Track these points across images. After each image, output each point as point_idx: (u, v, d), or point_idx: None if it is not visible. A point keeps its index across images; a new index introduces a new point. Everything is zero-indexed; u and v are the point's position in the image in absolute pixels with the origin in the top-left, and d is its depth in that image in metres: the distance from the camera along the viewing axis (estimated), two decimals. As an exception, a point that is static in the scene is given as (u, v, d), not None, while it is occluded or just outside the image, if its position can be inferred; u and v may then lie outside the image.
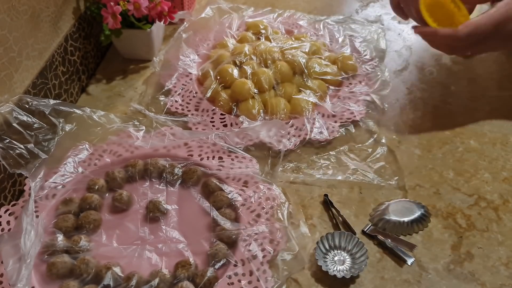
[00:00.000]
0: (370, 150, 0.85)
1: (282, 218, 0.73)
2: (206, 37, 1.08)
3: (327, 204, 0.79)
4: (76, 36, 0.99)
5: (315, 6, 1.26)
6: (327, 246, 0.72)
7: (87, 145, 0.85)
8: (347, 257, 0.71)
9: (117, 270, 0.67)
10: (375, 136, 0.88)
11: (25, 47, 0.83)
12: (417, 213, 0.75)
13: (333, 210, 0.78)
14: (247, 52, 0.98)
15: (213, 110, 0.92)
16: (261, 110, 0.90)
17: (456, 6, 0.82)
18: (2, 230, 0.74)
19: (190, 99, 0.95)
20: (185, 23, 1.03)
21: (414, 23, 0.90)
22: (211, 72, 0.97)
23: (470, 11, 0.89)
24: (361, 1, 1.27)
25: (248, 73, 0.94)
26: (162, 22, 1.03)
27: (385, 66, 1.02)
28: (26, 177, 0.79)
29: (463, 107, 0.95)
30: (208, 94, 0.94)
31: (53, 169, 0.80)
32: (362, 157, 0.85)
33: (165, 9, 1.00)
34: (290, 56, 0.96)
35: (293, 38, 1.06)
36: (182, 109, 0.93)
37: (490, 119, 0.93)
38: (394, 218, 0.74)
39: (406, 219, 0.74)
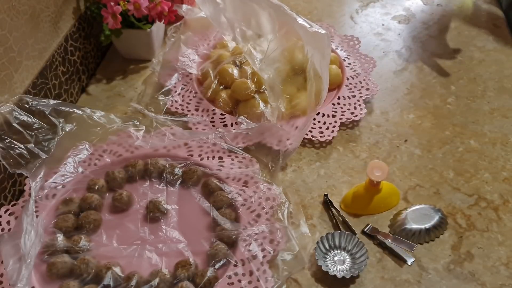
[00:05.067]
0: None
1: (282, 218, 0.73)
2: (206, 36, 1.08)
3: (327, 204, 0.79)
4: (76, 36, 0.99)
5: (315, 6, 1.26)
6: (327, 246, 0.72)
7: (87, 145, 0.85)
8: (347, 257, 0.71)
9: (117, 270, 0.67)
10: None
11: (25, 47, 0.83)
12: (436, 218, 0.74)
13: (333, 210, 0.78)
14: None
15: (213, 110, 0.92)
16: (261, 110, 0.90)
17: None
18: (2, 230, 0.74)
19: (190, 99, 0.95)
20: (180, 22, 1.03)
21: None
22: (211, 72, 0.97)
23: None
24: (361, 1, 1.27)
25: (248, 73, 0.94)
26: (162, 22, 1.03)
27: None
28: (26, 177, 0.79)
29: (463, 107, 0.95)
30: (208, 94, 0.94)
31: (53, 169, 0.80)
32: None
33: (165, 9, 1.00)
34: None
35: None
36: (182, 109, 0.93)
37: (490, 119, 0.93)
38: (415, 226, 0.73)
39: (427, 226, 0.74)
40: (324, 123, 0.90)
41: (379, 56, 1.08)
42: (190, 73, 1.00)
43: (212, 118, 0.91)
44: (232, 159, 0.83)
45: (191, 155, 0.84)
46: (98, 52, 1.08)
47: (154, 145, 0.85)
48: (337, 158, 0.86)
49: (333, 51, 1.04)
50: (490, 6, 1.23)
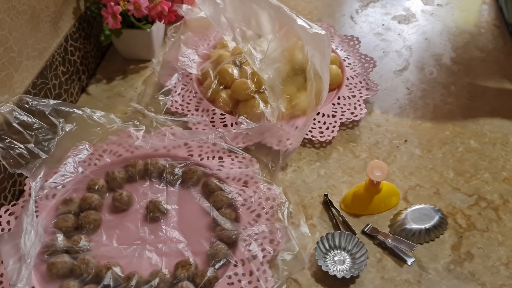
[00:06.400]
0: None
1: (282, 218, 0.73)
2: (206, 36, 1.08)
3: (327, 204, 0.79)
4: (76, 36, 0.99)
5: (315, 6, 1.26)
6: (327, 246, 0.72)
7: (87, 145, 0.85)
8: (347, 257, 0.71)
9: (117, 270, 0.67)
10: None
11: (25, 47, 0.83)
12: (436, 218, 0.74)
13: (333, 210, 0.78)
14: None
15: (213, 110, 0.92)
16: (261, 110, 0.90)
17: None
18: (2, 230, 0.74)
19: (190, 99, 0.95)
20: (180, 22, 1.03)
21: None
22: (211, 72, 0.97)
23: None
24: (361, 1, 1.27)
25: (248, 73, 0.94)
26: (162, 22, 1.03)
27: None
28: (26, 177, 0.79)
29: (463, 107, 0.95)
30: (208, 94, 0.94)
31: (53, 169, 0.80)
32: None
33: (165, 9, 1.00)
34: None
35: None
36: (182, 109, 0.93)
37: (490, 119, 0.93)
38: (415, 226, 0.73)
39: (427, 226, 0.74)
40: (324, 123, 0.90)
41: (379, 56, 1.08)
42: (190, 73, 1.00)
43: (212, 118, 0.91)
44: (232, 159, 0.83)
45: (191, 155, 0.84)
46: (98, 52, 1.08)
47: (154, 145, 0.85)
48: (337, 158, 0.86)
49: (333, 51, 1.04)
50: (490, 6, 1.23)
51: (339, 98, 0.94)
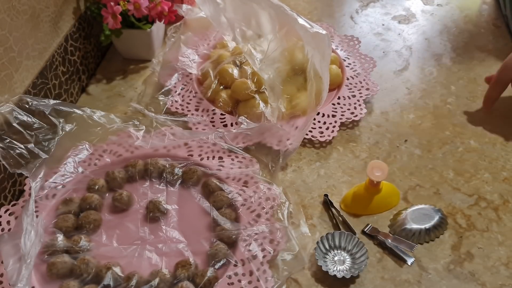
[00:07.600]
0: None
1: (282, 218, 0.73)
2: (206, 36, 1.08)
3: (327, 204, 0.79)
4: (76, 36, 0.99)
5: (315, 6, 1.26)
6: (327, 246, 0.72)
7: (87, 145, 0.85)
8: (347, 257, 0.71)
9: (117, 270, 0.67)
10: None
11: (25, 47, 0.83)
12: (436, 218, 0.74)
13: (333, 210, 0.78)
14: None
15: (213, 110, 0.92)
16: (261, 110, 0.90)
17: None
18: (2, 230, 0.74)
19: (190, 99, 0.95)
20: (180, 22, 1.03)
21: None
22: (211, 72, 0.97)
23: None
24: (361, 1, 1.27)
25: (248, 73, 0.94)
26: (162, 22, 1.03)
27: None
28: (26, 177, 0.79)
29: (463, 107, 0.95)
30: (208, 94, 0.94)
31: (53, 169, 0.80)
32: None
33: (165, 9, 1.00)
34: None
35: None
36: (182, 109, 0.93)
37: (490, 119, 0.93)
38: (415, 226, 0.73)
39: (427, 226, 0.73)
40: (324, 123, 0.90)
41: (379, 56, 1.08)
42: (190, 73, 1.00)
43: (212, 118, 0.91)
44: (232, 159, 0.83)
45: (191, 155, 0.84)
46: (98, 52, 1.08)
47: (154, 145, 0.85)
48: (337, 158, 0.86)
49: (333, 51, 1.04)
50: (490, 6, 1.23)
51: (339, 98, 0.94)
